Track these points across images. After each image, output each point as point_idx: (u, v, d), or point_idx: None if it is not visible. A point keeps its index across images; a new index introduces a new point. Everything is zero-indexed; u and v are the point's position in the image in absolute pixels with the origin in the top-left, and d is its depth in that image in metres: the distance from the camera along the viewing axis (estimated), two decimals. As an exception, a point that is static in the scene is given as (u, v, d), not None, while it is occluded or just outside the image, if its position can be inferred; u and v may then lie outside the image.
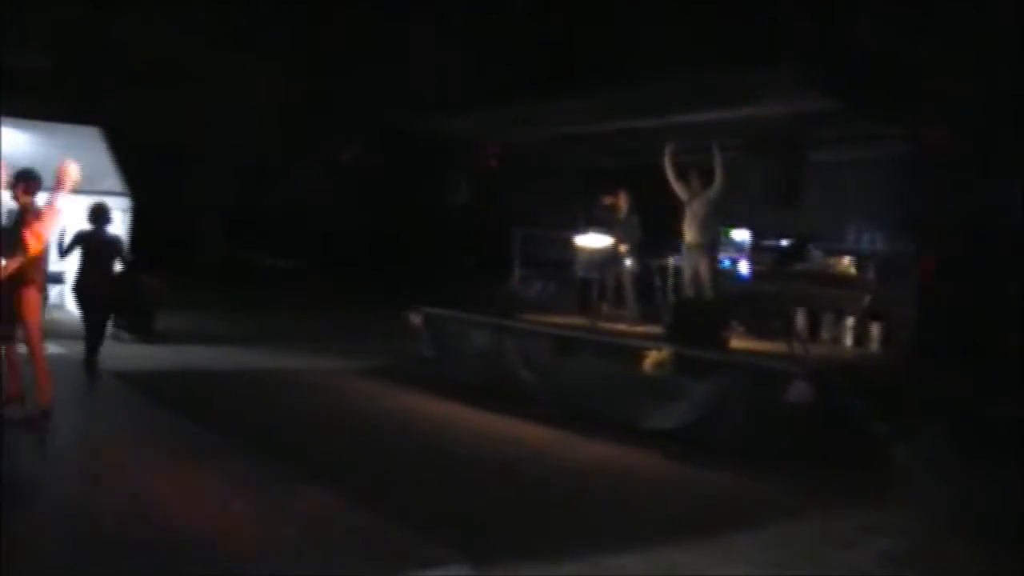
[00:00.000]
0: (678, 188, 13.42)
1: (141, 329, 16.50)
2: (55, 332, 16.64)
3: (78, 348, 13.13)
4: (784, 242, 14.96)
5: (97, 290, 12.66)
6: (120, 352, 14.57)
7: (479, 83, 24.32)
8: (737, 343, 11.74)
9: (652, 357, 10.96)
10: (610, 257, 14.49)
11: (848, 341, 13.12)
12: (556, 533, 7.42)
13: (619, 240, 14.34)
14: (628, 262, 14.40)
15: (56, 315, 18.13)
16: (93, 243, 12.61)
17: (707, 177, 13.12)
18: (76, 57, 26.04)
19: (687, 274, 13.50)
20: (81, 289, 12.71)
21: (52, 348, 15.27)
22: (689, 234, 13.30)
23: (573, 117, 14.74)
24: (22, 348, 9.42)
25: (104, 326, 13.25)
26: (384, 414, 12.08)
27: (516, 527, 7.56)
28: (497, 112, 16.04)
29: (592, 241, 14.59)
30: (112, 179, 18.94)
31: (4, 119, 20.95)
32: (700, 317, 11.80)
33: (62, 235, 12.09)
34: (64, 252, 12.45)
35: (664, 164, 13.52)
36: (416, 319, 14.88)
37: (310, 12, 27.71)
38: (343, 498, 7.87)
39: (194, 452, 9.34)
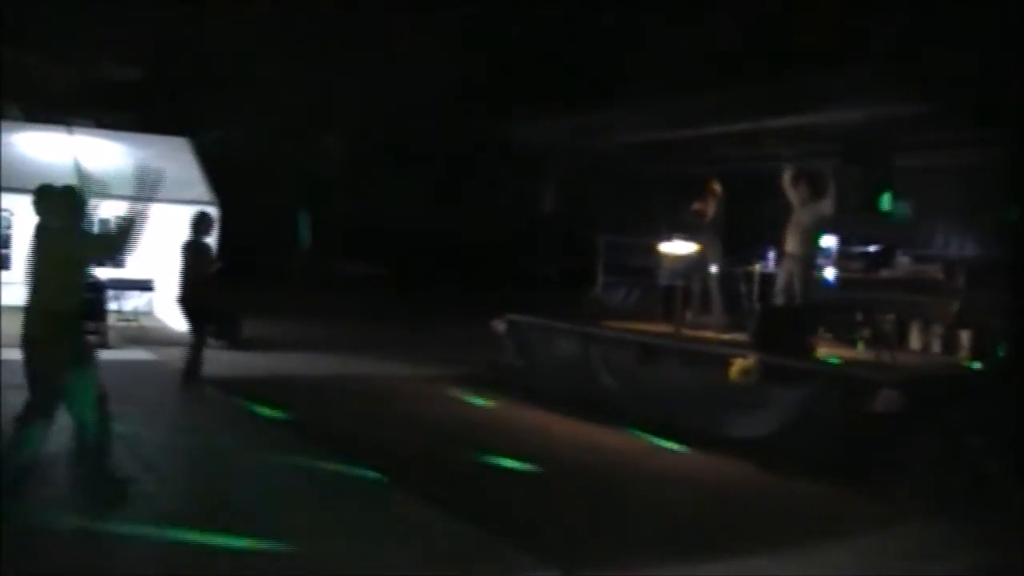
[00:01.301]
0: (791, 195, 13.19)
1: (228, 335, 16.71)
2: (145, 338, 17.05)
3: (168, 354, 13.33)
4: (871, 248, 14.80)
5: (201, 300, 12.56)
6: (208, 358, 14.79)
7: (562, 89, 24.35)
8: (824, 351, 11.65)
9: (738, 365, 10.91)
10: (695, 264, 14.42)
11: (937, 349, 12.96)
12: (642, 541, 7.42)
13: (705, 247, 14.27)
14: (714, 269, 14.33)
15: (145, 322, 18.52)
16: (195, 253, 12.58)
17: (815, 186, 12.91)
18: (165, 68, 26.46)
19: (781, 282, 13.30)
20: (184, 300, 12.63)
21: (142, 354, 15.66)
22: (791, 243, 13.07)
23: (657, 123, 14.72)
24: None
25: (206, 335, 13.07)
26: (468, 421, 12.15)
27: (603, 535, 7.58)
28: (580, 118, 16.07)
29: (677, 248, 14.54)
30: (199, 188, 19.27)
31: (95, 130, 21.47)
32: (787, 324, 11.72)
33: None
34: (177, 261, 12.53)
35: (784, 170, 13.31)
36: (501, 326, 14.91)
37: (386, 21, 27.87)
38: (432, 503, 7.95)
39: (284, 455, 9.53)
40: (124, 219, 7.25)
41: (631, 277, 15.82)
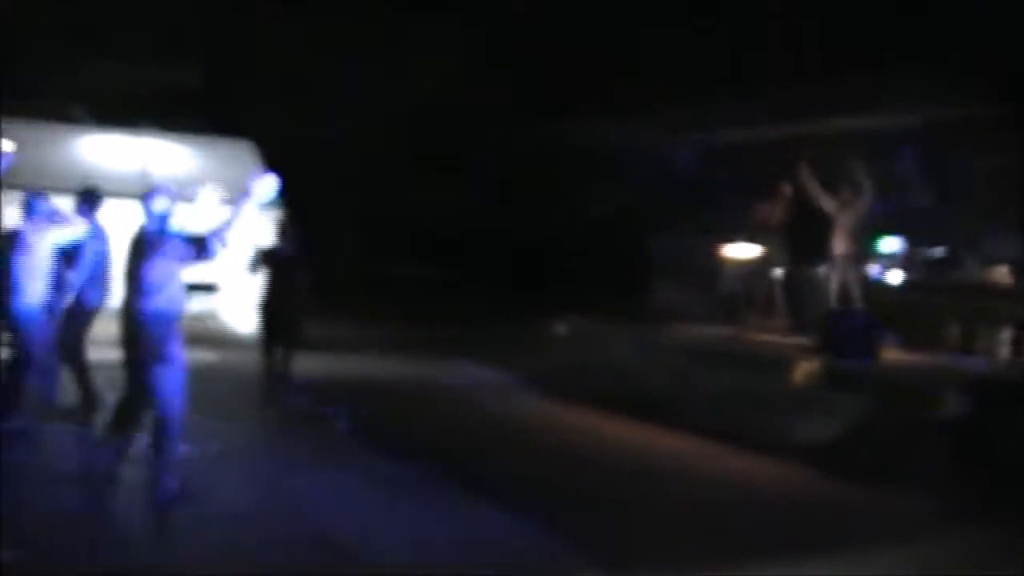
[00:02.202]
0: (823, 201, 13.11)
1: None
2: (209, 340, 17.23)
3: (231, 355, 13.41)
4: (938, 251, 14.63)
5: (282, 309, 11.95)
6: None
7: (620, 90, 24.29)
8: (889, 355, 11.52)
9: (800, 369, 10.83)
10: (759, 267, 14.33)
11: (1004, 354, 12.75)
12: (696, 544, 7.35)
13: (770, 250, 14.17)
14: (777, 272, 14.23)
15: (210, 323, 18.70)
16: (279, 260, 12.05)
17: (856, 188, 12.84)
18: (230, 71, 26.74)
19: (835, 285, 13.23)
20: (264, 308, 12.15)
21: (206, 355, 15.81)
22: (838, 245, 13.01)
23: (720, 125, 14.64)
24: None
25: (293, 345, 12.31)
26: (528, 423, 12.14)
27: (656, 537, 7.54)
28: (639, 120, 16.02)
29: (741, 251, 14.45)
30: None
31: (162, 133, 21.74)
32: (851, 329, 11.62)
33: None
34: (252, 268, 12.00)
35: (802, 178, 13.27)
36: (562, 329, 14.90)
37: (442, 22, 27.96)
38: (488, 504, 7.96)
39: (343, 454, 9.60)
40: (219, 224, 7.44)
41: (693, 279, 15.72)
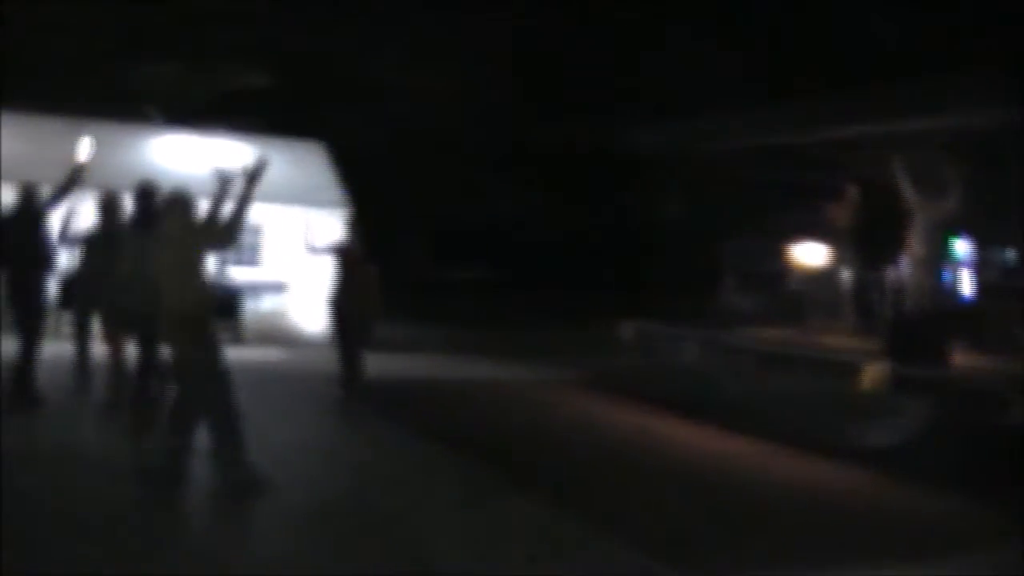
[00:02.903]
0: (912, 200, 12.91)
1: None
2: (278, 338, 17.42)
3: (300, 353, 13.50)
4: (1010, 254, 14.43)
5: (352, 308, 11.95)
6: (335, 357, 15.03)
7: (686, 91, 24.20)
8: (959, 360, 11.38)
9: (868, 373, 10.73)
10: (826, 270, 14.22)
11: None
12: (761, 549, 7.33)
13: (838, 253, 14.06)
14: (845, 275, 14.12)
15: (279, 321, 18.91)
16: (348, 259, 12.07)
17: (934, 190, 12.65)
18: (300, 74, 26.99)
19: (910, 288, 13.05)
20: (334, 307, 12.15)
21: (275, 353, 16.00)
22: (915, 247, 12.81)
23: (786, 126, 14.52)
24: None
25: (363, 344, 12.30)
26: (594, 425, 12.15)
27: (720, 541, 7.52)
28: (705, 121, 15.93)
29: (808, 254, 14.35)
30: (332, 192, 19.64)
31: (232, 134, 22.02)
32: (920, 332, 11.49)
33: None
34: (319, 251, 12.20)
35: (898, 174, 13.07)
36: (627, 332, 14.87)
37: (505, 25, 28.00)
38: (553, 505, 7.99)
39: (406, 454, 9.69)
40: (233, 212, 7.53)
41: (759, 282, 15.63)
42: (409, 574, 6.35)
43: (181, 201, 7.82)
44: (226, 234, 7.61)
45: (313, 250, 12.28)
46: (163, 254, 7.69)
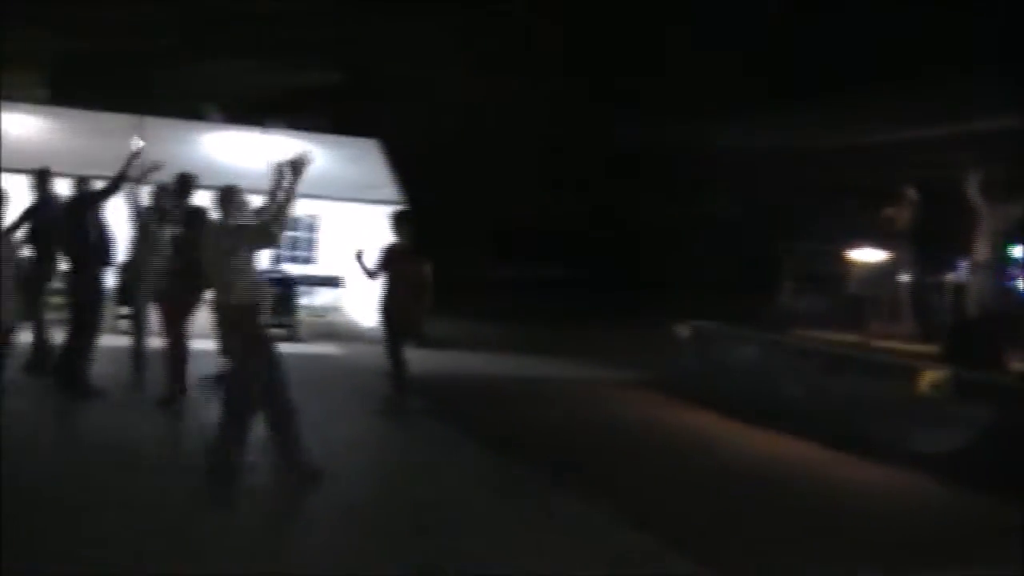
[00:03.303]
0: (978, 204, 12.67)
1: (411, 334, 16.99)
2: (333, 334, 17.48)
3: (355, 349, 13.50)
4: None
5: (403, 306, 11.38)
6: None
7: (745, 92, 24.03)
8: (1020, 365, 11.18)
9: (928, 378, 10.56)
10: (886, 272, 14.03)
11: None
12: (817, 554, 7.27)
13: (897, 255, 13.87)
14: (905, 278, 13.92)
15: (334, 317, 18.98)
16: (400, 256, 11.51)
17: (1002, 194, 12.41)
18: (358, 71, 27.08)
19: (973, 292, 12.81)
20: (384, 308, 11.62)
21: (330, 349, 16.06)
22: (980, 251, 12.57)
23: (848, 126, 14.37)
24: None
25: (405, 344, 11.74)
26: (649, 426, 12.11)
27: (776, 545, 7.45)
28: (762, 123, 15.81)
29: (868, 256, 14.16)
30: (388, 189, 19.69)
31: (290, 132, 22.13)
32: (982, 336, 11.31)
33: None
34: (371, 273, 11.49)
35: (968, 177, 12.83)
36: (684, 331, 14.75)
37: (567, 22, 27.91)
38: (600, 506, 7.94)
39: (457, 452, 9.68)
40: (272, 207, 7.58)
41: (817, 285, 15.47)
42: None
43: (231, 195, 7.87)
44: (269, 229, 7.64)
45: (369, 274, 11.63)
46: (214, 248, 7.74)
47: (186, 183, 10.84)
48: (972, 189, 12.62)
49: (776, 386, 12.74)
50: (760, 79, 23.85)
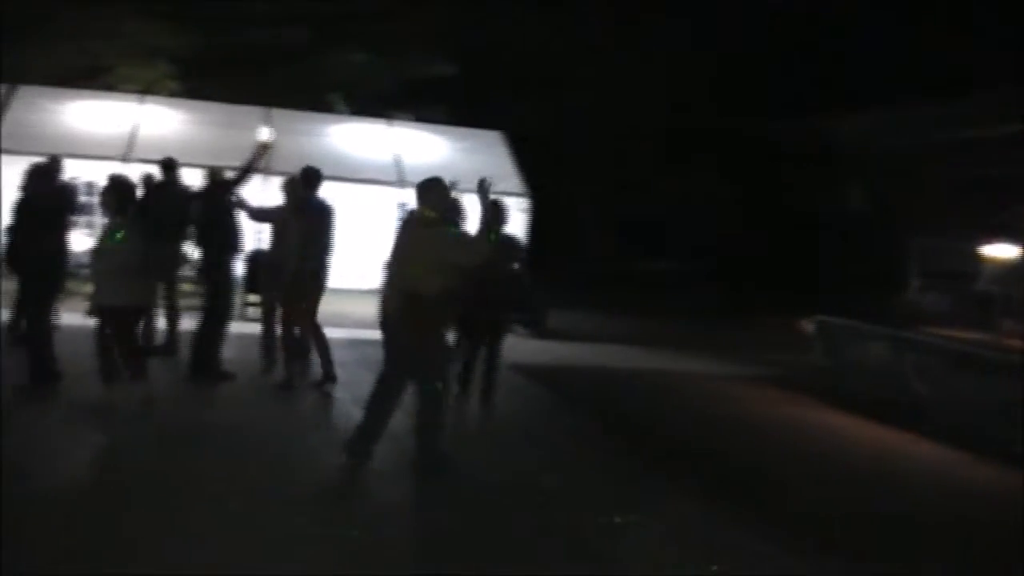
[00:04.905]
0: None
1: (533, 324, 17.12)
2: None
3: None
4: None
5: (480, 306, 10.37)
6: (514, 346, 15.14)
7: (872, 85, 23.63)
8: None
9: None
10: (1019, 270, 13.66)
11: None
12: (936, 557, 7.14)
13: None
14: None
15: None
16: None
17: None
18: (483, 63, 27.20)
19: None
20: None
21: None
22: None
23: (980, 120, 14.01)
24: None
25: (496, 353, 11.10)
26: (775, 423, 12.00)
27: (894, 546, 7.34)
28: (893, 115, 15.48)
29: (1002, 252, 13.80)
30: (512, 181, 19.76)
31: (415, 124, 22.36)
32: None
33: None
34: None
35: None
36: (809, 327, 14.52)
37: (705, 16, 27.69)
38: (722, 505, 7.91)
39: (576, 443, 9.68)
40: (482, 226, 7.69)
41: (948, 281, 15.11)
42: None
43: (435, 187, 7.95)
44: (479, 247, 7.89)
45: None
46: (412, 240, 7.84)
47: (313, 176, 11.01)
48: None
49: (904, 384, 12.49)
50: (889, 75, 23.43)
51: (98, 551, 5.77)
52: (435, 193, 7.89)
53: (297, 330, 10.96)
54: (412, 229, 7.93)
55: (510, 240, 11.54)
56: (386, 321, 7.88)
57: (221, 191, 11.18)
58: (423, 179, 8.07)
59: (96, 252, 9.07)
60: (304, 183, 11.03)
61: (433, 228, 7.79)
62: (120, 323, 8.97)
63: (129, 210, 9.06)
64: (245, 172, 11.01)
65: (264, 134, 11.35)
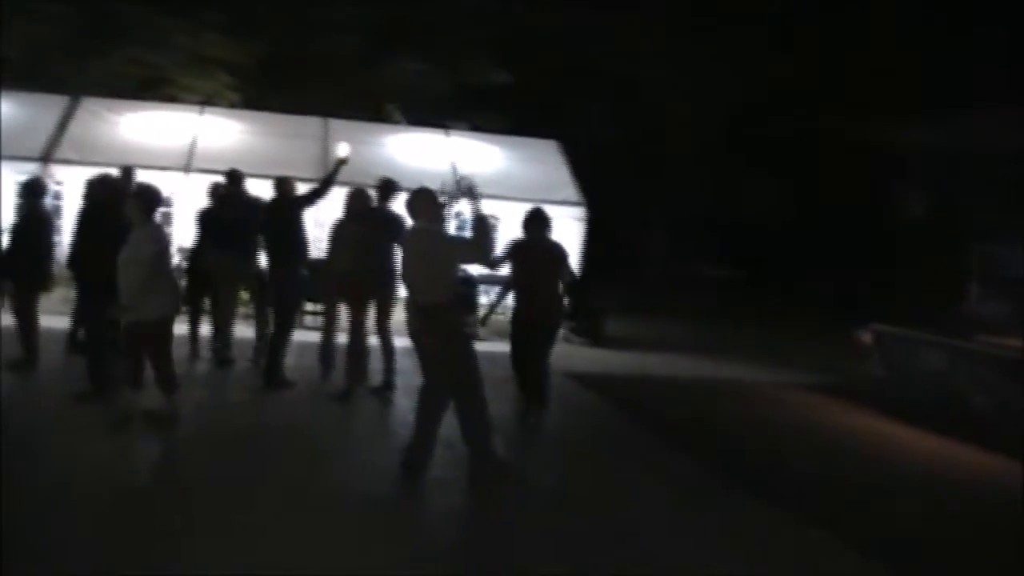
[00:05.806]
0: None
1: (590, 333, 17.16)
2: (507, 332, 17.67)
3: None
4: None
5: (534, 317, 10.49)
6: (571, 353, 15.17)
7: (932, 88, 23.42)
8: None
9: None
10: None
11: None
12: (985, 568, 7.09)
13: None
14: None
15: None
16: (532, 254, 10.41)
17: None
18: (538, 72, 27.29)
19: None
20: (515, 317, 10.80)
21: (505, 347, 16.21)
22: None
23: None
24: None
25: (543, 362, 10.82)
26: (832, 432, 11.95)
27: (953, 557, 7.32)
28: (952, 120, 15.35)
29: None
30: (568, 190, 19.79)
31: (471, 133, 22.44)
32: None
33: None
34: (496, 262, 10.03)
35: None
36: (866, 336, 14.39)
37: (759, 21, 27.60)
38: (785, 513, 7.92)
39: (631, 449, 9.71)
40: (477, 225, 7.84)
41: (1009, 289, 14.94)
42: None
43: (425, 197, 8.06)
44: (481, 248, 8.05)
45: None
46: (416, 250, 7.96)
47: (390, 187, 11.21)
48: None
49: (961, 395, 12.35)
50: (951, 80, 23.21)
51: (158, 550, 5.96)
52: (425, 203, 8.00)
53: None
54: (411, 243, 8.07)
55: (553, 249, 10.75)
56: (413, 334, 8.00)
57: (296, 205, 11.39)
58: (412, 191, 8.22)
59: (123, 263, 8.63)
60: (380, 193, 11.22)
61: (432, 237, 7.92)
62: (147, 336, 8.85)
63: (153, 219, 9.02)
64: (324, 186, 11.30)
65: (343, 149, 11.56)
